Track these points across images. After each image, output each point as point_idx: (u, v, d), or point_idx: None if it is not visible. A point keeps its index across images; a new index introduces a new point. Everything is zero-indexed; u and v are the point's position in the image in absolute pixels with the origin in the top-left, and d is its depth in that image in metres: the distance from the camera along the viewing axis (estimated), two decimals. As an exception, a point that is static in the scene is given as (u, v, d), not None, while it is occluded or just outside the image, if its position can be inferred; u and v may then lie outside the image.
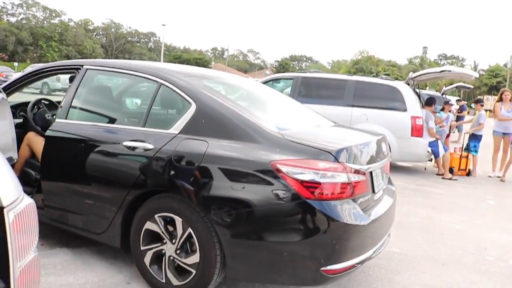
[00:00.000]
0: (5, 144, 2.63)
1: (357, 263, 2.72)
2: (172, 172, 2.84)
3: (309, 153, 2.61)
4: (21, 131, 4.33)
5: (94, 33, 75.22)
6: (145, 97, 3.31)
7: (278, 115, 3.68)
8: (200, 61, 69.31)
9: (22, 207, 0.94)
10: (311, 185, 2.51)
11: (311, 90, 9.27)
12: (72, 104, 3.50)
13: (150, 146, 2.95)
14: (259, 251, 2.64)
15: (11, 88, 4.03)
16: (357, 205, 2.72)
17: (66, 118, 3.45)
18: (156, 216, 2.93)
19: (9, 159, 2.68)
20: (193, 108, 2.97)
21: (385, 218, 3.06)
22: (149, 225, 2.97)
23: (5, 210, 0.88)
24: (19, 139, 4.11)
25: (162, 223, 2.92)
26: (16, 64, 45.48)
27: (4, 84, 4.06)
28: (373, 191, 2.98)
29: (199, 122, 2.92)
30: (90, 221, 3.26)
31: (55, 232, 3.77)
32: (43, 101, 4.57)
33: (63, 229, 3.51)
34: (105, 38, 75.22)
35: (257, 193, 2.58)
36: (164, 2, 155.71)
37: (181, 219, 2.81)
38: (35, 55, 61.03)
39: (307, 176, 2.52)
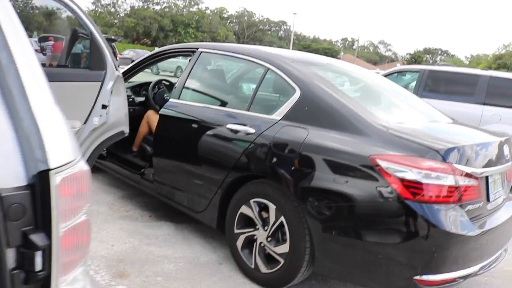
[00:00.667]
0: (118, 118, 2.82)
1: (459, 277, 2.42)
2: (270, 158, 2.81)
3: (414, 150, 2.38)
4: (142, 108, 4.67)
5: (228, 21, 78.68)
6: (253, 81, 3.31)
7: (389, 108, 3.43)
8: (329, 51, 68.60)
9: (72, 172, 0.95)
10: (412, 185, 2.28)
11: (438, 85, 8.56)
12: (185, 85, 3.64)
13: (251, 131, 2.95)
14: (349, 250, 2.49)
15: (135, 69, 4.33)
16: (465, 213, 2.42)
17: (178, 98, 3.61)
18: (251, 201, 2.93)
19: (121, 133, 2.88)
20: (297, 94, 2.89)
21: (501, 231, 2.68)
22: (244, 209, 2.98)
23: (51, 172, 0.90)
24: (140, 116, 4.44)
25: (257, 209, 2.90)
26: (157, 49, 49.46)
27: (129, 65, 4.39)
28: (488, 199, 2.63)
29: (302, 109, 2.84)
30: (192, 199, 3.38)
31: (163, 206, 3.99)
32: (163, 81, 4.86)
33: (169, 204, 3.69)
34: (238, 26, 78.32)
35: (353, 188, 2.42)
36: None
37: (274, 207, 2.77)
38: (174, 40, 65.72)
39: (408, 175, 2.30)
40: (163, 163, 3.62)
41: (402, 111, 3.46)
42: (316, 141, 2.63)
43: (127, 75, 4.42)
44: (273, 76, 3.14)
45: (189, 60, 3.76)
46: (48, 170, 0.90)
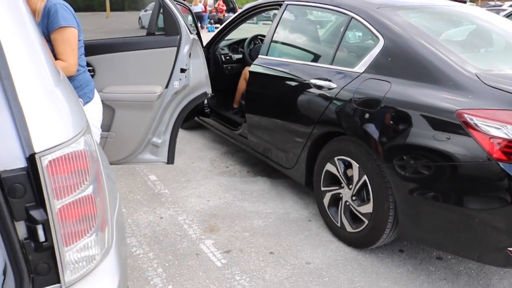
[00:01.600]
0: (199, 80, 2.88)
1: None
2: (351, 114, 2.65)
3: (510, 103, 2.04)
4: (240, 65, 4.72)
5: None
6: (337, 33, 3.11)
7: (500, 55, 2.97)
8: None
9: (64, 152, 1.01)
10: (506, 144, 1.97)
11: None
12: (272, 41, 3.57)
13: (333, 85, 2.81)
14: (434, 213, 2.28)
15: (229, 27, 4.35)
16: None
17: (266, 54, 3.56)
18: (335, 158, 2.83)
19: (204, 94, 2.95)
20: (380, 43, 2.65)
21: None
22: (329, 167, 2.89)
23: (36, 156, 0.96)
24: (239, 73, 4.51)
25: (342, 167, 2.80)
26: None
27: (223, 25, 4.43)
28: None
29: (385, 60, 2.60)
30: (282, 155, 3.38)
31: (261, 162, 4.07)
32: (259, 37, 4.82)
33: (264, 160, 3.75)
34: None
35: (438, 146, 2.18)
36: None
37: (357, 165, 2.64)
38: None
39: (501, 132, 1.99)
40: (255, 120, 3.65)
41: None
42: (397, 95, 2.40)
43: (224, 31, 4.47)
44: (356, 25, 2.91)
45: (275, 15, 3.66)
46: (34, 154, 0.96)
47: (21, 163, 0.97)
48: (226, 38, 4.69)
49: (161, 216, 3.21)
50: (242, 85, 4.47)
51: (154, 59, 2.71)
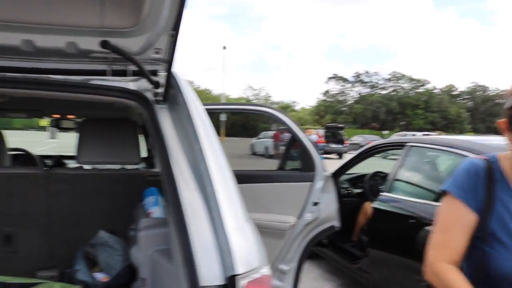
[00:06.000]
0: (329, 214, 3.07)
1: None
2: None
3: None
4: (360, 200, 4.86)
5: (459, 98, 74.61)
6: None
7: None
8: None
9: (255, 277, 1.22)
10: None
11: None
12: (395, 179, 3.72)
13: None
14: None
15: (350, 163, 4.61)
16: None
17: (389, 192, 3.69)
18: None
19: (331, 227, 3.11)
20: None
21: None
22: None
23: (237, 277, 1.18)
24: (359, 207, 4.64)
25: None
26: (385, 132, 49.89)
27: (345, 161, 4.71)
28: None
29: None
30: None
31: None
32: (378, 173, 5.00)
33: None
34: (471, 102, 73.38)
35: None
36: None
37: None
38: (402, 123, 65.41)
39: None
40: (378, 255, 3.67)
41: None
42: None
43: (347, 166, 4.72)
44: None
45: (399, 155, 3.85)
46: (235, 275, 1.19)
47: (220, 281, 1.21)
48: (347, 172, 4.93)
49: None
50: (361, 219, 4.57)
51: (290, 191, 2.99)
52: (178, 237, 1.36)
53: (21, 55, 1.65)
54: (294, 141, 3.21)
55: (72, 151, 4.92)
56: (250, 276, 1.23)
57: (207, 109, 2.67)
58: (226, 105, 3.55)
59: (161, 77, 1.70)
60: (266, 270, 1.28)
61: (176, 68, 1.68)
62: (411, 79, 69.37)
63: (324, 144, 24.14)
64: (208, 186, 1.40)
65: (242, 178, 3.14)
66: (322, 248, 4.71)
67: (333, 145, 24.36)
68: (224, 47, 37.48)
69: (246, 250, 1.27)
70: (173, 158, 1.52)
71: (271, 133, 17.92)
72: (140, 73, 1.69)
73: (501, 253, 1.22)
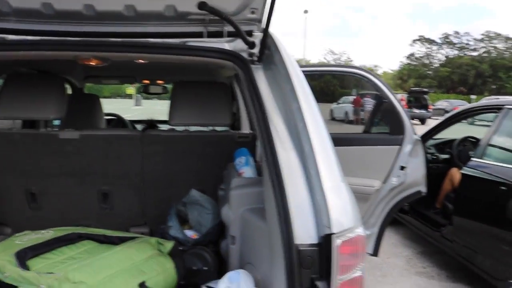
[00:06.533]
0: (416, 179, 2.99)
1: None
2: None
3: None
4: (446, 166, 4.66)
5: (562, 60, 67.57)
6: None
7: None
8: None
9: (350, 236, 1.22)
10: None
11: None
12: (489, 144, 3.51)
13: None
14: None
15: (438, 128, 4.41)
16: None
17: (482, 158, 3.50)
18: None
19: (418, 192, 3.03)
20: None
21: None
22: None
23: (333, 236, 1.19)
24: (444, 173, 4.46)
25: None
26: (473, 97, 46.76)
27: (433, 126, 4.50)
28: None
29: None
30: (495, 265, 3.17)
31: (464, 268, 3.84)
32: (469, 138, 4.74)
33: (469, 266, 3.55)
34: None
35: None
36: None
37: None
38: (493, 87, 60.83)
39: None
40: (465, 223, 3.54)
41: None
42: None
43: (434, 131, 4.54)
44: None
45: (495, 118, 3.61)
46: (331, 234, 1.20)
47: (314, 240, 1.23)
48: (434, 137, 4.73)
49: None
50: (447, 185, 4.39)
51: (376, 155, 2.94)
52: (274, 196, 1.37)
53: (123, 20, 1.71)
54: (381, 103, 3.12)
55: (156, 117, 5.15)
56: (345, 235, 1.23)
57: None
58: (315, 67, 3.47)
59: (257, 37, 1.70)
60: (360, 230, 1.28)
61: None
62: (507, 39, 63.75)
63: (407, 109, 23.13)
64: (306, 145, 1.40)
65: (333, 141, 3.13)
66: (402, 214, 4.61)
67: (417, 110, 23.29)
68: (306, 11, 36.70)
69: (342, 210, 1.27)
70: (269, 117, 1.53)
71: (351, 98, 17.51)
72: (236, 34, 1.70)
73: None
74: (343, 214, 1.27)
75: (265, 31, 1.62)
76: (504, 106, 3.54)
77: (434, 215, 4.35)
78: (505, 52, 63.56)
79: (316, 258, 1.22)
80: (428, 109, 23.65)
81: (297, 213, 1.28)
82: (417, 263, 4.14)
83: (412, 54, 66.40)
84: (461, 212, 3.55)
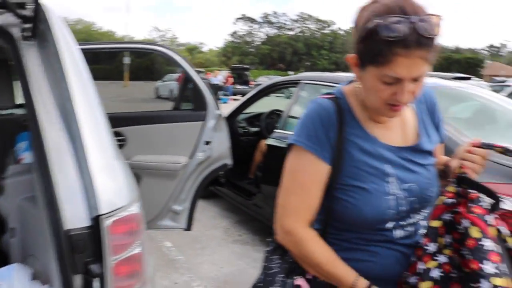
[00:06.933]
0: (221, 152, 3.08)
1: None
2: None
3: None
4: (257, 138, 4.96)
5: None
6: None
7: (499, 130, 3.17)
8: (472, 60, 63.37)
9: (122, 215, 1.18)
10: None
11: None
12: (289, 115, 3.82)
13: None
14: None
15: (248, 102, 4.64)
16: None
17: (283, 129, 3.79)
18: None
19: (224, 165, 3.13)
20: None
21: None
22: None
23: (101, 217, 1.16)
24: (254, 146, 4.73)
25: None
26: (291, 73, 50.83)
27: (242, 100, 4.72)
28: None
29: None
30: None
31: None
32: (275, 111, 5.10)
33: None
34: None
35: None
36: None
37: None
38: (307, 63, 67.08)
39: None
40: (271, 190, 3.81)
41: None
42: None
43: (244, 105, 4.75)
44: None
45: (294, 92, 3.94)
46: (99, 215, 1.14)
47: (86, 223, 1.15)
48: (244, 111, 4.97)
49: (175, 281, 3.29)
50: (258, 157, 4.68)
51: (181, 131, 2.94)
52: (40, 181, 1.28)
53: None
54: (188, 80, 3.12)
55: None
56: (117, 215, 1.19)
57: (89, 49, 2.46)
58: (111, 44, 3.23)
59: (29, 11, 1.52)
60: (134, 208, 1.24)
61: (46, 1, 1.51)
62: (318, 20, 70.67)
63: (230, 86, 24.18)
64: (74, 125, 1.31)
65: (133, 120, 3.04)
66: (219, 187, 4.78)
67: (239, 86, 24.47)
68: (126, -17, 35.04)
69: (113, 189, 1.22)
70: (38, 98, 1.41)
71: (176, 75, 17.52)
72: (3, 5, 1.50)
73: (357, 199, 1.10)
74: (114, 194, 1.22)
75: (36, 3, 1.45)
76: (300, 81, 3.88)
77: (248, 185, 4.60)
78: (316, 32, 70.41)
79: (88, 242, 1.16)
80: (250, 85, 25.06)
81: (66, 196, 1.20)
82: (234, 232, 4.35)
83: (235, 32, 69.19)
84: (267, 180, 3.82)
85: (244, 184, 4.62)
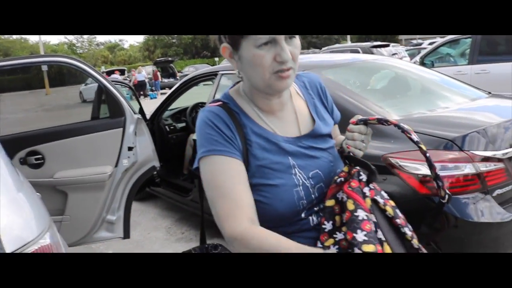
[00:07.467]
0: (147, 156, 3.06)
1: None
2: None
3: (428, 143, 2.34)
4: (185, 133, 4.93)
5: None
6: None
7: (411, 99, 3.37)
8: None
9: (35, 249, 1.15)
10: (429, 180, 2.25)
11: (496, 46, 8.02)
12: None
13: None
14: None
15: (170, 99, 4.59)
16: (492, 198, 2.34)
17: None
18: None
19: (153, 168, 3.11)
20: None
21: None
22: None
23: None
24: (184, 141, 4.71)
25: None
26: (216, 59, 50.40)
27: (164, 98, 4.67)
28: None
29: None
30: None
31: (215, 224, 4.20)
32: (200, 104, 5.09)
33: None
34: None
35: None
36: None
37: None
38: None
39: (422, 170, 2.27)
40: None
41: (425, 98, 3.38)
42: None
43: (167, 102, 4.69)
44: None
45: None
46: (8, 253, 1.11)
47: None
48: (168, 108, 4.91)
49: (122, 291, 3.24)
50: (188, 152, 4.67)
51: (102, 141, 2.88)
52: None
53: None
54: (101, 88, 3.04)
55: None
56: (26, 250, 1.15)
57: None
58: (13, 60, 2.98)
59: None
60: (45, 240, 1.21)
61: None
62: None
63: (156, 81, 23.68)
64: None
65: (50, 135, 2.92)
66: (155, 188, 4.73)
67: (166, 80, 23.99)
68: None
69: (19, 224, 1.18)
70: None
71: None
72: None
73: (268, 197, 1.11)
74: (24, 228, 1.18)
75: None
76: (218, 72, 3.89)
77: (183, 182, 4.59)
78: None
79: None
80: (177, 77, 24.64)
81: None
82: (176, 230, 4.34)
83: (155, 25, 67.32)
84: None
85: (179, 182, 4.60)
